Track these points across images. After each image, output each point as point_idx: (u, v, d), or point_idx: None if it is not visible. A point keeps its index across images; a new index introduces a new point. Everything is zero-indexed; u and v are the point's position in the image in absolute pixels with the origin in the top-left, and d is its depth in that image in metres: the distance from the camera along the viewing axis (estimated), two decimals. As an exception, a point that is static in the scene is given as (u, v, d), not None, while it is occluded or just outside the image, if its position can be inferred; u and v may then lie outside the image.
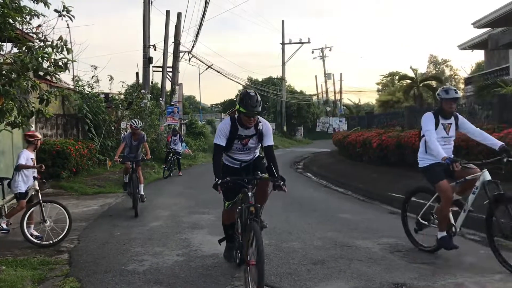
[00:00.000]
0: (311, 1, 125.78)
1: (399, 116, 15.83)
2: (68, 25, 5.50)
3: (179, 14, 22.31)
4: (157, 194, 10.64)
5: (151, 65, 20.27)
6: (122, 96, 18.24)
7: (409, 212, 5.57)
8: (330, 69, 62.54)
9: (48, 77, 6.00)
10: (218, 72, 30.33)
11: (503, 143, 4.79)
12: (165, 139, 18.44)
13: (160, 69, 21.98)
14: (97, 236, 6.40)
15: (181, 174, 15.57)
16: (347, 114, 38.29)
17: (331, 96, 54.04)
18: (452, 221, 4.85)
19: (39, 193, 6.13)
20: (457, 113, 5.10)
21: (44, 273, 4.67)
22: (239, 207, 4.19)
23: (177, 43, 22.44)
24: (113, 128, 16.49)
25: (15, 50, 5.28)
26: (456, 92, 4.91)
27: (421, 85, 25.41)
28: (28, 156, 6.15)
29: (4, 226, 6.16)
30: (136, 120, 9.19)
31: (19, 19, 4.89)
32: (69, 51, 5.05)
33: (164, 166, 15.16)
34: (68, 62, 5.14)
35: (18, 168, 6.05)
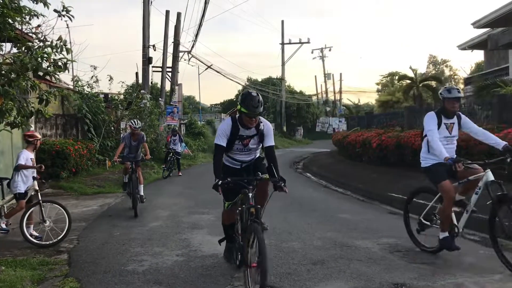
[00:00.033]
0: (310, 1, 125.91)
1: (399, 116, 15.85)
2: (67, 25, 5.49)
3: (178, 14, 22.32)
4: (156, 194, 10.64)
5: (150, 65, 20.27)
6: (122, 96, 18.22)
7: (411, 213, 5.53)
8: (330, 69, 62.69)
9: (48, 77, 6.00)
10: (218, 72, 30.39)
11: (506, 142, 4.72)
12: (164, 139, 18.44)
13: (160, 69, 21.99)
14: (97, 236, 6.40)
15: (180, 174, 15.57)
16: (347, 114, 38.34)
17: (331, 96, 54.12)
18: (455, 221, 4.81)
19: (39, 193, 6.13)
20: (460, 113, 5.06)
21: (43, 273, 4.67)
22: (239, 208, 4.16)
23: (176, 43, 22.44)
24: (112, 128, 16.49)
25: (14, 50, 5.28)
26: (459, 92, 4.87)
27: (420, 85, 25.44)
28: (27, 156, 6.14)
29: (3, 226, 6.16)
30: (135, 120, 9.17)
31: (19, 19, 4.89)
32: (68, 51, 5.05)
33: (164, 166, 15.15)
34: (68, 62, 5.14)
35: (18, 168, 6.05)
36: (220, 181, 3.93)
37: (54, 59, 4.98)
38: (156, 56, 28.88)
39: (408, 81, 26.51)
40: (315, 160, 20.05)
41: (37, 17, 5.05)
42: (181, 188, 12.26)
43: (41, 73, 5.11)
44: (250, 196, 3.91)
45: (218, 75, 34.29)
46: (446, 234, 4.78)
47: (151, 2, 19.33)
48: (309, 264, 4.76)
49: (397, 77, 32.52)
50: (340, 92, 53.94)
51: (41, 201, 6.00)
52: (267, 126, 4.40)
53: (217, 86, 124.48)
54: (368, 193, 10.19)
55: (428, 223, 5.11)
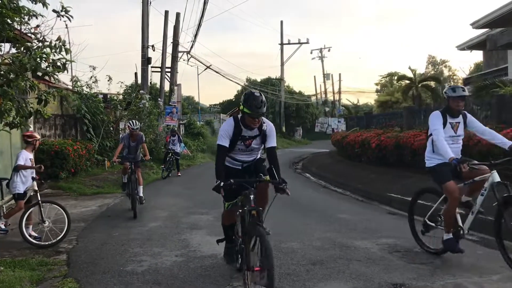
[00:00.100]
0: (310, 1, 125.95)
1: (398, 117, 15.85)
2: (66, 25, 5.47)
3: (177, 15, 22.32)
4: (155, 195, 10.64)
5: (149, 66, 20.31)
6: (121, 97, 18.20)
7: (415, 213, 5.48)
8: (329, 70, 62.77)
9: (47, 78, 5.98)
10: (217, 72, 30.43)
11: None
12: (163, 140, 18.43)
13: (159, 69, 21.98)
14: (96, 236, 6.39)
15: (179, 174, 15.57)
16: (346, 115, 38.35)
17: (330, 97, 54.16)
18: (460, 223, 4.74)
19: (38, 194, 6.13)
20: (466, 112, 4.99)
21: (42, 274, 4.67)
22: (240, 210, 4.06)
23: (175, 44, 22.43)
24: (111, 128, 16.48)
25: (13, 50, 5.27)
26: (464, 90, 4.79)
27: (419, 85, 25.44)
28: (26, 157, 6.14)
29: (2, 226, 6.16)
30: (133, 121, 9.13)
31: (18, 19, 4.88)
32: (67, 51, 5.04)
33: (163, 166, 15.15)
34: (67, 62, 5.13)
35: (17, 168, 6.04)
36: (223, 183, 3.83)
37: (53, 60, 4.97)
38: (155, 57, 28.84)
39: (407, 82, 26.50)
40: (314, 161, 20.06)
41: (36, 17, 5.04)
42: (180, 188, 12.26)
43: (40, 74, 5.10)
44: (251, 198, 3.84)
45: (217, 75, 34.29)
46: (450, 235, 4.72)
47: (150, 3, 19.38)
48: (308, 265, 4.76)
49: (396, 78, 32.50)
50: (339, 92, 54.08)
51: (40, 202, 6.00)
52: (269, 126, 4.34)
53: (216, 87, 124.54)
54: (367, 193, 10.19)
55: (433, 224, 5.02)
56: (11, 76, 4.81)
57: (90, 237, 6.35)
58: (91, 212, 8.51)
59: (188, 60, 25.01)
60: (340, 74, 54.63)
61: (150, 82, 21.96)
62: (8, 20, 4.77)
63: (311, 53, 49.61)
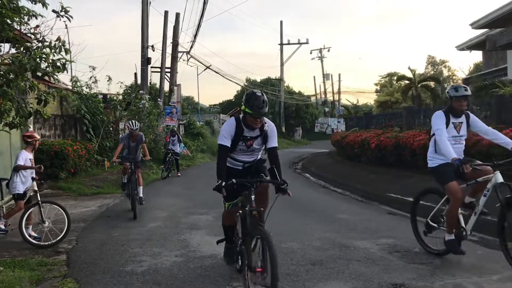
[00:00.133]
0: (309, 2, 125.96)
1: (398, 117, 15.84)
2: (66, 25, 5.47)
3: (177, 15, 22.32)
4: (155, 195, 10.64)
5: (149, 66, 20.30)
6: (121, 97, 18.19)
7: (417, 214, 5.44)
8: (329, 70, 62.76)
9: (46, 78, 5.99)
10: (217, 72, 30.42)
11: None
12: (163, 140, 18.43)
13: (159, 69, 21.98)
14: (96, 237, 6.39)
15: (179, 174, 15.57)
16: (346, 115, 38.32)
17: (330, 97, 54.14)
18: (463, 224, 4.72)
19: (38, 194, 6.12)
20: (469, 112, 4.96)
21: (42, 274, 4.66)
22: (240, 211, 4.04)
23: (175, 44, 22.43)
24: (111, 128, 16.48)
25: (13, 50, 5.27)
26: (466, 90, 4.75)
27: (419, 85, 25.44)
28: (26, 157, 6.14)
29: (2, 227, 6.16)
30: (133, 121, 9.10)
31: (17, 19, 4.88)
32: (67, 51, 5.05)
33: (163, 166, 15.15)
34: (66, 62, 5.14)
35: (17, 168, 6.04)
36: (224, 183, 3.80)
37: (52, 60, 4.98)
38: (155, 57, 28.83)
39: (407, 82, 26.50)
40: (314, 161, 20.07)
41: (36, 18, 5.04)
42: (179, 188, 12.26)
43: (39, 74, 5.11)
44: (252, 199, 3.82)
45: (217, 75, 34.26)
46: (452, 236, 4.69)
47: (150, 3, 19.37)
48: (308, 265, 4.76)
49: (395, 78, 32.52)
50: (339, 92, 54.07)
51: (40, 202, 6.00)
52: (271, 127, 4.30)
53: (216, 87, 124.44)
54: (367, 193, 10.20)
55: (435, 225, 4.99)
56: (11, 76, 4.81)
57: (89, 238, 6.35)
58: (91, 212, 8.51)
59: (188, 60, 25.04)
60: (339, 74, 54.83)
61: (150, 82, 21.96)
62: (8, 20, 4.77)
63: (311, 53, 49.57)
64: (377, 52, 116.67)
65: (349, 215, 7.81)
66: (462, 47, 22.66)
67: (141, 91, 18.43)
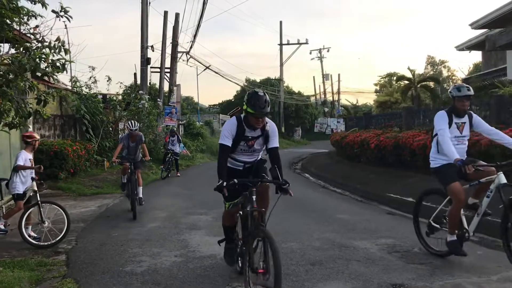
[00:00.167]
0: (309, 2, 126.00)
1: (397, 117, 15.85)
2: (65, 25, 5.47)
3: (177, 15, 22.32)
4: (155, 195, 10.64)
5: (149, 66, 20.29)
6: (120, 97, 18.19)
7: (419, 214, 5.42)
8: (328, 70, 62.40)
9: (46, 78, 5.99)
10: (216, 73, 30.47)
11: None
12: (163, 140, 18.43)
13: (158, 69, 21.99)
14: (95, 237, 6.39)
15: (179, 175, 15.57)
16: (345, 115, 38.36)
17: (329, 97, 54.16)
18: (466, 225, 4.69)
19: (37, 194, 6.12)
20: (472, 112, 4.93)
21: (41, 274, 4.66)
22: (241, 212, 4.01)
23: (175, 44, 22.43)
24: (111, 129, 16.48)
25: (12, 50, 5.28)
26: (469, 90, 4.71)
27: (418, 86, 25.46)
28: (26, 157, 6.14)
29: (2, 227, 6.15)
30: (132, 121, 9.08)
31: (17, 19, 4.88)
32: (66, 51, 5.05)
33: (162, 167, 15.15)
34: (66, 62, 5.15)
35: (16, 169, 6.04)
36: (225, 183, 3.77)
37: (52, 60, 4.98)
38: (154, 57, 28.79)
39: (406, 82, 26.53)
40: (313, 161, 20.07)
41: (35, 18, 5.04)
42: (179, 188, 12.26)
43: (39, 74, 5.11)
44: (253, 199, 3.80)
45: (216, 75, 34.42)
46: (454, 237, 4.66)
47: (150, 3, 19.36)
48: (307, 265, 4.77)
49: (395, 78, 32.56)
50: (339, 92, 54.09)
51: (39, 202, 6.00)
52: (272, 127, 4.27)
53: (215, 87, 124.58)
54: (366, 193, 10.20)
55: (437, 226, 4.95)
56: (11, 76, 4.81)
57: (89, 238, 6.35)
58: (91, 212, 8.51)
59: (188, 60, 25.05)
60: (339, 75, 55.00)
61: (150, 83, 21.95)
62: (7, 21, 4.77)
63: (310, 53, 49.56)
64: (377, 52, 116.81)
65: (349, 215, 7.81)
66: (462, 47, 22.68)
67: (140, 91, 18.42)
